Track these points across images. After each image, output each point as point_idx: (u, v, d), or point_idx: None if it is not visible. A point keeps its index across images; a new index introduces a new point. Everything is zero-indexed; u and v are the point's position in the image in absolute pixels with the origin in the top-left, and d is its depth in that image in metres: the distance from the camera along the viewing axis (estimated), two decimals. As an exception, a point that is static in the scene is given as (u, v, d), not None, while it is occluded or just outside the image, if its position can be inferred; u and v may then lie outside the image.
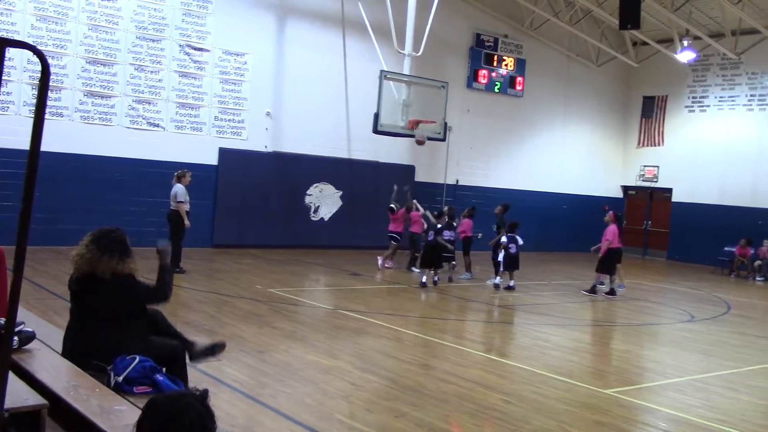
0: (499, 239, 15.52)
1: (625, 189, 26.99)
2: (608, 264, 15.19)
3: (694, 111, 25.17)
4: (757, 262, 20.94)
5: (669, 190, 25.54)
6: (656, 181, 25.95)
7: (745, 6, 20.74)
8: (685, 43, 22.42)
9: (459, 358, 9.08)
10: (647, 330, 12.46)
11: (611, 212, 15.87)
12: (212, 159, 18.17)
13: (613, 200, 26.33)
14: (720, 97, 24.48)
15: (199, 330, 9.42)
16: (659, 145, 25.94)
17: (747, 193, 23.05)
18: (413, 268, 16.70)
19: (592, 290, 15.32)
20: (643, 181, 26.35)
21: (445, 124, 17.96)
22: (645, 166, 26.29)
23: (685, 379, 8.93)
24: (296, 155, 19.34)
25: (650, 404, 7.78)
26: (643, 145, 26.40)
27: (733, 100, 24.15)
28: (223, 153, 18.31)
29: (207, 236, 17.86)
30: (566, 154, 25.39)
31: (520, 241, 15.42)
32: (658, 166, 25.90)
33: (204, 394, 2.60)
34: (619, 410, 7.37)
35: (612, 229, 15.25)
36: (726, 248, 22.02)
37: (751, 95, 23.75)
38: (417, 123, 17.18)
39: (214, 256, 16.79)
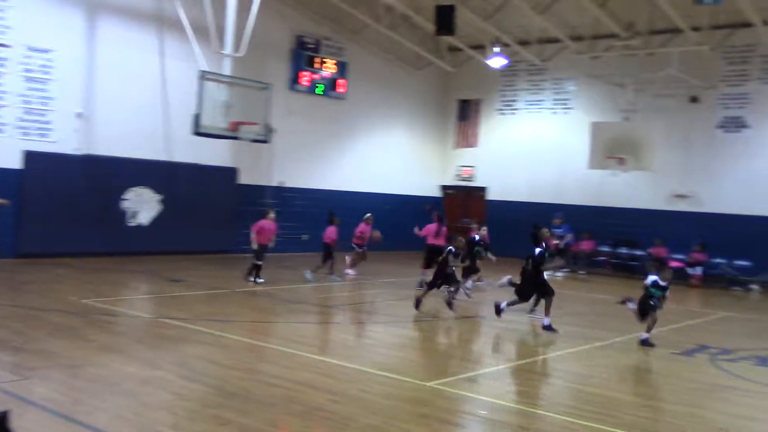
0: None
1: (444, 188, 28.08)
2: (426, 259, 16.02)
3: (505, 114, 26.66)
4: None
5: (484, 189, 26.88)
6: (472, 181, 27.22)
7: (549, 16, 22.22)
8: (496, 49, 23.64)
9: (286, 360, 9.02)
10: (467, 323, 13.00)
11: (435, 213, 16.64)
12: (15, 162, 16.89)
13: (432, 199, 27.29)
14: (528, 101, 26.11)
15: (4, 347, 8.71)
16: (474, 146, 27.25)
17: (553, 190, 24.72)
18: (334, 277, 16.56)
19: (421, 285, 15.87)
20: (461, 180, 27.56)
21: (269, 126, 17.81)
22: (462, 166, 27.52)
23: (502, 366, 9.41)
24: (111, 158, 18.40)
25: (470, 393, 8.11)
26: (459, 147, 27.63)
27: (539, 104, 25.84)
28: (29, 156, 17.07)
29: (9, 245, 16.58)
30: (388, 156, 26.00)
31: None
32: (474, 166, 27.21)
33: (3, 416, 2.38)
34: (441, 401, 7.63)
35: (427, 228, 16.23)
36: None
37: (555, 100, 25.53)
38: (239, 125, 16.91)
39: (19, 267, 15.61)
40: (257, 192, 21.39)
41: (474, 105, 27.27)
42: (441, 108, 27.89)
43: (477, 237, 15.21)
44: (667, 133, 22.17)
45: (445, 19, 20.09)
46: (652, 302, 11.04)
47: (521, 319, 13.27)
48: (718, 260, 21.01)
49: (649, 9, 20.34)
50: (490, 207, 26.21)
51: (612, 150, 21.79)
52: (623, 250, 23.16)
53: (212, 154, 20.00)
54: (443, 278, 12.99)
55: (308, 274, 16.30)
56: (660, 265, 12.00)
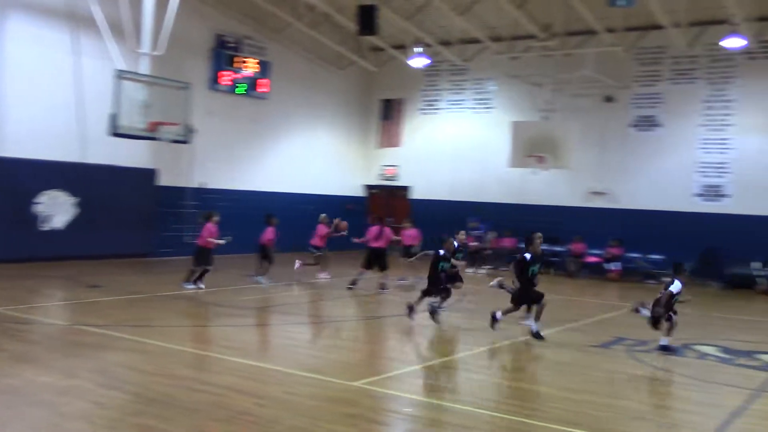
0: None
1: (368, 188, 28.14)
2: (366, 260, 16.20)
3: (427, 113, 26.90)
4: (488, 251, 22.77)
5: (407, 188, 27.06)
6: (396, 180, 27.37)
7: (470, 17, 22.51)
8: (418, 49, 23.79)
9: (209, 365, 8.86)
10: (390, 321, 13.03)
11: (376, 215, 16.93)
12: None
13: (356, 199, 27.33)
14: (450, 101, 26.42)
15: None
16: (397, 145, 27.41)
17: (474, 188, 25.07)
18: (260, 279, 16.27)
19: (354, 284, 16.08)
20: (384, 180, 27.67)
21: (189, 126, 17.44)
22: (385, 165, 27.64)
23: (426, 364, 9.47)
24: (23, 160, 17.69)
25: (396, 392, 8.14)
26: (383, 146, 27.74)
27: (461, 104, 26.18)
28: (-66, 158, 16.28)
29: None
30: (312, 155, 25.88)
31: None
32: (397, 166, 27.36)
33: None
34: (367, 401, 7.63)
35: (369, 231, 16.44)
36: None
37: (477, 99, 25.91)
38: (158, 125, 16.52)
39: (-75, 275, 14.85)
40: (177, 194, 20.95)
41: (397, 104, 27.42)
42: (364, 107, 27.93)
43: (457, 243, 13.59)
44: (584, 132, 22.77)
45: (367, 19, 20.11)
46: (675, 310, 10.71)
47: (445, 317, 13.40)
48: (634, 255, 21.71)
49: (565, 11, 20.84)
50: (414, 206, 26.39)
51: (532, 149, 22.21)
52: (543, 247, 23.45)
53: (130, 155, 19.46)
54: (437, 287, 11.94)
55: (261, 279, 16.20)
56: (679, 267, 11.12)
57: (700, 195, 21.77)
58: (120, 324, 10.93)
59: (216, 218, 15.27)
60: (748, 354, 10.75)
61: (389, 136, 27.58)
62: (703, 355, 10.77)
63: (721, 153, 21.53)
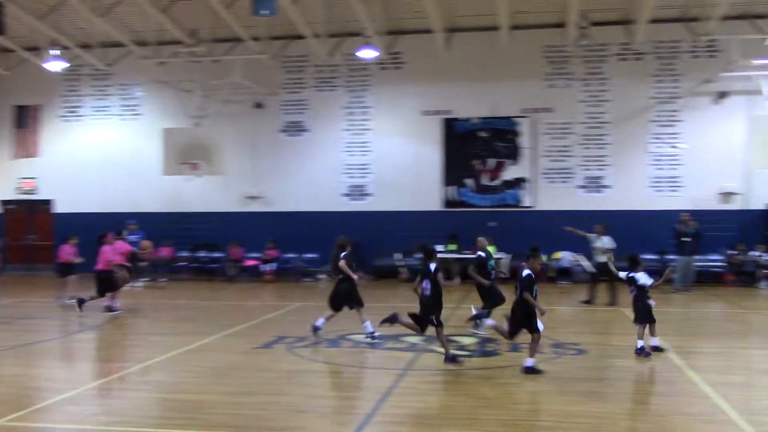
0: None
1: (3, 203, 25.41)
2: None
3: (69, 121, 25.06)
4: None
5: (50, 202, 24.95)
6: (35, 193, 25.08)
7: (110, 20, 21.40)
8: (54, 52, 22.00)
9: None
10: (36, 348, 11.86)
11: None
12: None
13: (-9, 217, 24.59)
14: (94, 107, 24.92)
15: None
16: (35, 156, 25.11)
17: (127, 199, 23.86)
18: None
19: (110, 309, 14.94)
20: (22, 194, 25.19)
21: None
22: (22, 178, 25.16)
23: (80, 390, 8.77)
24: None
25: (46, 424, 7.42)
26: (18, 157, 25.19)
27: (107, 110, 24.84)
28: None
29: None
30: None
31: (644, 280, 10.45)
32: (36, 178, 25.06)
33: None
34: (11, 439, 6.84)
35: (103, 250, 15.22)
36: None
37: (124, 106, 24.77)
38: None
39: None
40: None
41: (32, 111, 25.12)
42: (-6, 114, 25.16)
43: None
44: (236, 138, 23.11)
45: (-9, 17, 18.12)
46: (649, 302, 10.35)
47: (101, 335, 12.63)
48: (290, 255, 22.57)
49: (211, 18, 20.85)
50: (58, 220, 24.42)
51: (185, 155, 22.01)
52: (202, 254, 23.49)
53: None
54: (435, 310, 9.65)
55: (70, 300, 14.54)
56: (635, 259, 10.61)
57: (347, 195, 23.35)
58: None
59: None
60: (396, 338, 11.72)
61: (25, 146, 25.15)
62: (357, 344, 11.51)
63: (363, 155, 23.30)
